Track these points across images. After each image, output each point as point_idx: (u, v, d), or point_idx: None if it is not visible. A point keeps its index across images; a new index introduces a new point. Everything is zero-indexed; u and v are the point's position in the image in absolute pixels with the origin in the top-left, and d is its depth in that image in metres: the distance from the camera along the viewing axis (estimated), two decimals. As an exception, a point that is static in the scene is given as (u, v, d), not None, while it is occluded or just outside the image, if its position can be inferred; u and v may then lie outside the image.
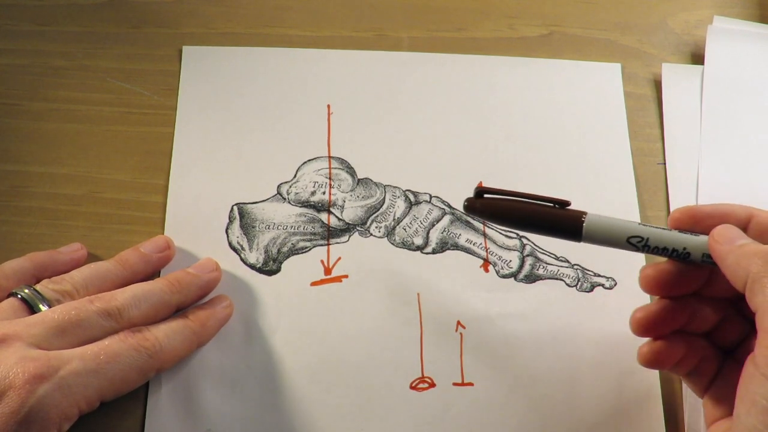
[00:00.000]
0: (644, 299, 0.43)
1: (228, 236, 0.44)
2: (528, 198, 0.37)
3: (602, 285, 0.44)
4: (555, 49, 0.50)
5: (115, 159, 0.46)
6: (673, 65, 0.50)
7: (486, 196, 0.38)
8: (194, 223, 0.44)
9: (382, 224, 0.45)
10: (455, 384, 0.41)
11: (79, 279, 0.40)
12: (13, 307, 0.37)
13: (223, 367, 0.41)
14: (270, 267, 0.43)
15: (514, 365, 0.42)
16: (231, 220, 0.44)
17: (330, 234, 0.44)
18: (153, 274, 0.42)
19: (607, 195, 0.46)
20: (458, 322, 0.43)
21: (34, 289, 0.38)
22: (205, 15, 0.50)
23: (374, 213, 0.45)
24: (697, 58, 0.50)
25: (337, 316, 0.43)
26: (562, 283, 0.44)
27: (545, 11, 0.52)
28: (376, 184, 0.46)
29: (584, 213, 0.36)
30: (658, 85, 0.49)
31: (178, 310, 0.41)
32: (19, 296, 0.38)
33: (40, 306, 0.37)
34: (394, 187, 0.46)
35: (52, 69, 0.48)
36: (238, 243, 0.44)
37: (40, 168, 0.46)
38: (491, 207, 0.38)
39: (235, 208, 0.45)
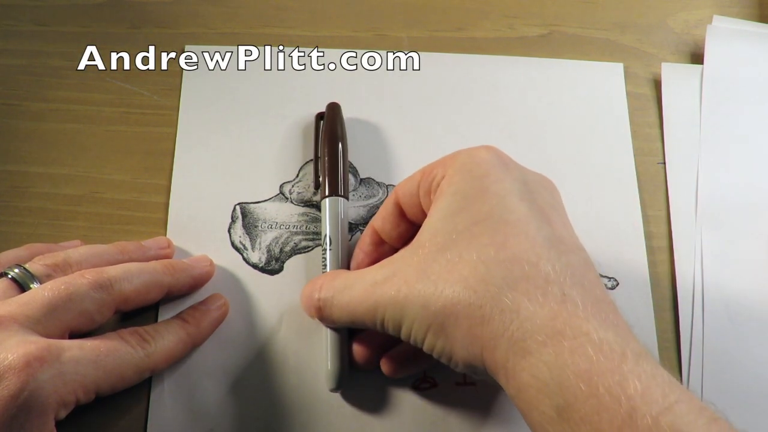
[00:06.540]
0: (646, 299, 0.43)
1: (230, 236, 0.44)
2: None
3: (604, 285, 0.44)
4: (554, 49, 0.50)
5: (115, 159, 0.46)
6: (672, 65, 0.50)
7: None
8: (197, 223, 0.44)
9: (385, 224, 0.45)
10: (457, 384, 0.41)
11: (74, 254, 0.39)
12: (3, 287, 0.37)
13: (226, 367, 0.41)
14: (272, 266, 0.43)
15: (516, 364, 0.42)
16: (233, 219, 0.44)
17: (332, 233, 0.44)
18: None
19: (609, 195, 0.46)
20: (460, 322, 0.43)
21: (24, 268, 0.37)
22: (205, 15, 0.50)
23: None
24: (697, 58, 0.50)
25: (339, 316, 0.42)
26: (564, 282, 0.44)
27: (545, 11, 0.52)
28: (378, 183, 0.46)
29: None
30: (657, 85, 0.49)
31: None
32: (10, 276, 0.37)
33: (31, 285, 0.37)
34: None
35: (52, 69, 0.48)
36: (240, 242, 0.44)
37: (40, 168, 0.46)
38: None
39: (238, 207, 0.45)
